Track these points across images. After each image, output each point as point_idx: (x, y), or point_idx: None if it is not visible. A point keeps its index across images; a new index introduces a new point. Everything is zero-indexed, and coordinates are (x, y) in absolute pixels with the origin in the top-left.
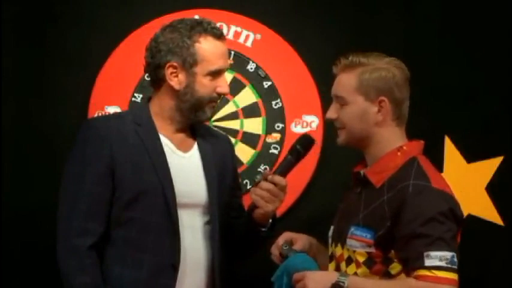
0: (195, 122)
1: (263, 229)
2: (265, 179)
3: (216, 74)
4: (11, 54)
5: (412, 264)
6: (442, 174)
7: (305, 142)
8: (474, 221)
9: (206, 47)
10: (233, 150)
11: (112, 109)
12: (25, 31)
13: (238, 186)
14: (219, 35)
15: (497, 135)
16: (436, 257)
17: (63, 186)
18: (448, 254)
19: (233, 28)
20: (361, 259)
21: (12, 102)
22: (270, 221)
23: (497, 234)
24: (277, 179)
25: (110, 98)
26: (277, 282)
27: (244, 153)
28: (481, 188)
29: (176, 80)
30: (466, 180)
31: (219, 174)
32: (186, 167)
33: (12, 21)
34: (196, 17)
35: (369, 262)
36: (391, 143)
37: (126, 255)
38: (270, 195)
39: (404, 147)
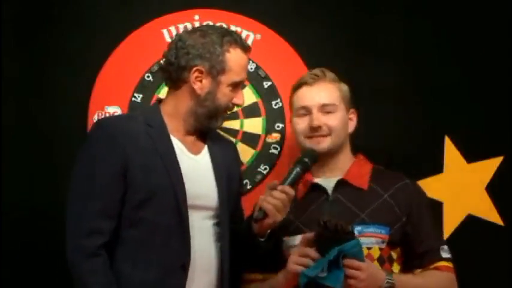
0: (205, 129)
1: (262, 239)
2: (274, 189)
3: (237, 85)
4: (11, 54)
5: (431, 257)
6: (442, 174)
7: (312, 156)
8: (474, 221)
9: (235, 58)
10: (238, 157)
11: (112, 109)
12: (25, 31)
13: (241, 193)
14: (247, 48)
15: (497, 135)
16: (447, 250)
17: (73, 186)
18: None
19: (233, 28)
20: (375, 256)
21: (12, 102)
22: (269, 231)
23: (497, 234)
24: (289, 190)
25: (110, 98)
26: (328, 256)
27: (244, 153)
28: (481, 188)
29: (200, 84)
30: (466, 180)
31: (228, 177)
32: (196, 169)
33: (12, 21)
34: (223, 25)
35: (381, 259)
36: (350, 152)
37: (136, 255)
38: (282, 205)
39: (361, 157)
